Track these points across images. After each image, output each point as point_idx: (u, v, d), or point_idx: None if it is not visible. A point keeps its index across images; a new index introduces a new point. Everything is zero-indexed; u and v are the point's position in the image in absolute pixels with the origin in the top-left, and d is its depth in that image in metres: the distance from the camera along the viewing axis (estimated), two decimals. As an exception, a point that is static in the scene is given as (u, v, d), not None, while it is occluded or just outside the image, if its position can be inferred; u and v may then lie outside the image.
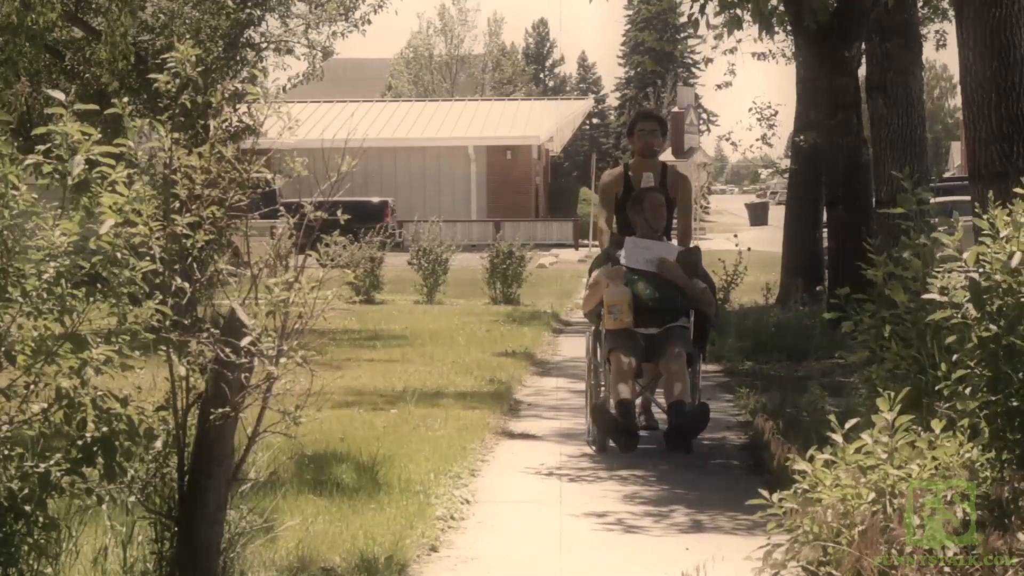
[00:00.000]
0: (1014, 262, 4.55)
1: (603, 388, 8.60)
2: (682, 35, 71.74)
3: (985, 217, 4.78)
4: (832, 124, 15.65)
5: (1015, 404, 4.57)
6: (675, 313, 8.63)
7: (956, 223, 5.67)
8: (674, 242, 9.23)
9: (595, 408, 8.25)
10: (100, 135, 4.32)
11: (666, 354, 8.36)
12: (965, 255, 4.76)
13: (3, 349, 4.15)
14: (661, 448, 8.20)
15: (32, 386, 4.23)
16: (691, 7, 15.45)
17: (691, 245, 9.21)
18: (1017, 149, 8.04)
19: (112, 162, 4.35)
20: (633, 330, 8.48)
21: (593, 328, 8.87)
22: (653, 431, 8.90)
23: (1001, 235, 4.69)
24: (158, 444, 4.49)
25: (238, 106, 10.57)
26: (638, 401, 8.70)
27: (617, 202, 9.16)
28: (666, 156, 50.11)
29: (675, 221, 9.41)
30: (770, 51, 23.08)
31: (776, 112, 20.15)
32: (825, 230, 17.22)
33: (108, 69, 15.32)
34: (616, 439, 8.04)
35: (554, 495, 6.95)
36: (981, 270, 4.65)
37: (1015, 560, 4.31)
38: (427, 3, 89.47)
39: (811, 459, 4.90)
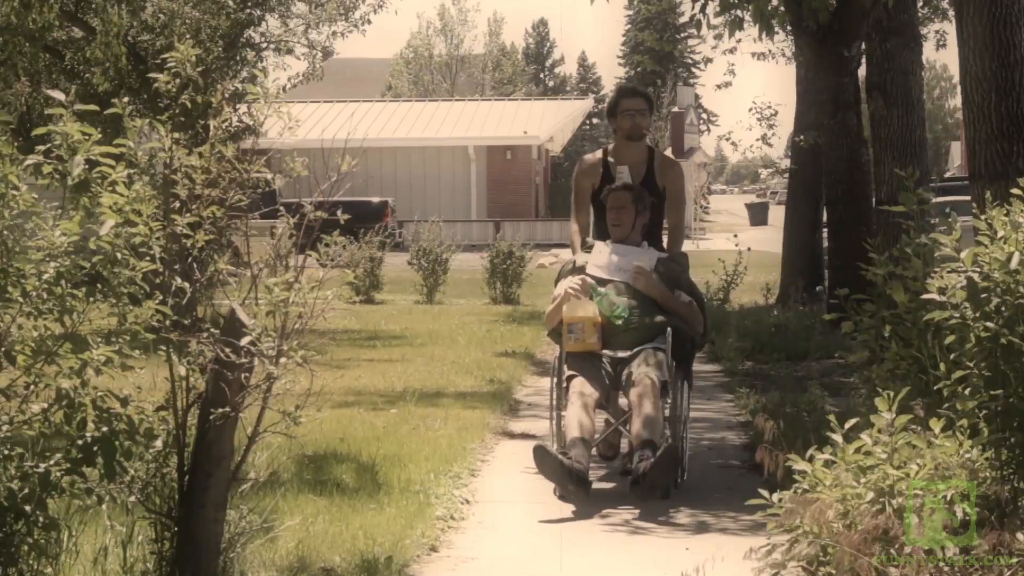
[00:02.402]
0: (1013, 263, 4.55)
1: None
2: (682, 35, 71.83)
3: (983, 217, 4.79)
4: (832, 124, 15.68)
5: (1014, 404, 4.58)
6: (649, 333, 7.19)
7: (955, 223, 5.68)
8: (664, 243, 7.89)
9: (536, 449, 6.65)
10: (100, 135, 4.32)
11: (635, 383, 6.94)
12: (963, 255, 4.76)
13: (3, 349, 4.15)
14: None
15: (32, 386, 4.23)
16: (692, 7, 15.47)
17: (681, 248, 7.87)
18: (1017, 149, 8.04)
19: (112, 162, 4.35)
20: (599, 353, 7.13)
21: (559, 350, 7.32)
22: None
23: (999, 235, 4.69)
24: (158, 444, 4.49)
25: (238, 106, 10.60)
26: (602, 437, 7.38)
27: (594, 195, 7.80)
28: (666, 156, 50.21)
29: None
30: (770, 51, 23.14)
31: (776, 112, 20.18)
32: (825, 230, 17.25)
33: (101, 70, 15.32)
34: (562, 486, 6.63)
35: (554, 495, 6.94)
36: (979, 270, 4.66)
37: (1015, 560, 4.31)
38: (427, 3, 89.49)
39: (811, 459, 4.90)
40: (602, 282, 7.28)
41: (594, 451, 7.25)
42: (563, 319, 7.13)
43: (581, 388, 6.92)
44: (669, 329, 7.19)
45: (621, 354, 7.14)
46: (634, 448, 6.73)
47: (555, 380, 7.24)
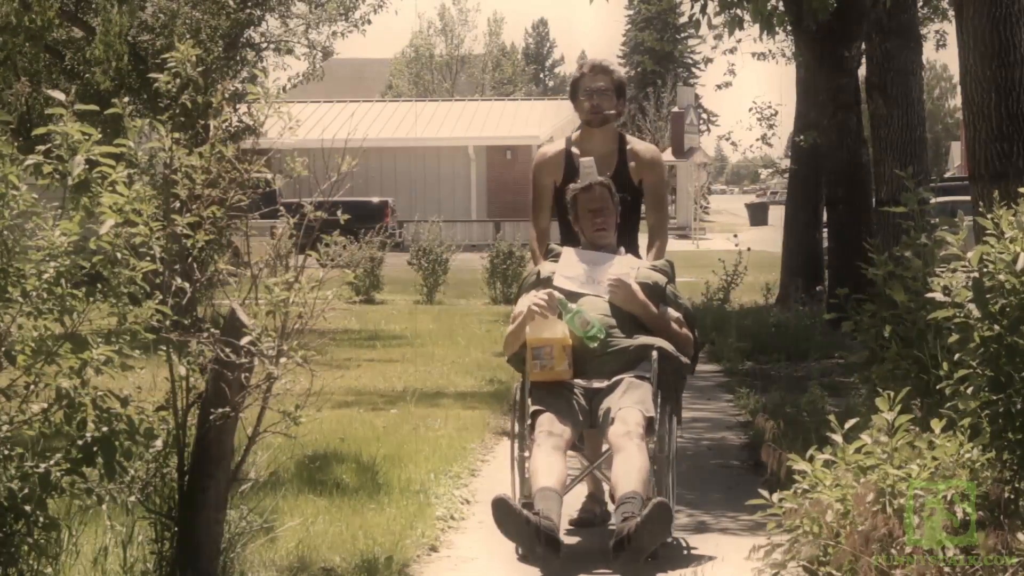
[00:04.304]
0: (1020, 264, 4.55)
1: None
2: (682, 35, 71.88)
3: (989, 217, 4.79)
4: (832, 124, 15.70)
5: (1017, 404, 4.57)
6: (631, 358, 5.92)
7: (961, 223, 5.69)
8: (643, 252, 6.55)
9: (497, 504, 5.35)
10: (100, 135, 4.32)
11: (615, 420, 5.67)
12: (969, 255, 4.76)
13: (3, 349, 4.15)
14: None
15: (32, 386, 4.23)
16: (692, 7, 15.48)
17: (664, 253, 6.51)
18: (1017, 149, 8.04)
19: (112, 162, 4.35)
20: (570, 383, 5.87)
21: (520, 380, 6.07)
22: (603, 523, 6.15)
23: (1006, 235, 4.69)
24: (158, 444, 4.49)
25: (238, 106, 10.61)
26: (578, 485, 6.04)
27: (556, 193, 6.52)
28: (666, 157, 50.41)
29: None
30: (770, 51, 23.11)
31: (776, 112, 20.17)
32: (825, 230, 17.26)
33: (102, 69, 15.33)
34: (527, 547, 5.35)
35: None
36: (985, 269, 4.65)
37: (1015, 560, 4.31)
38: (427, 3, 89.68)
39: (811, 459, 4.91)
40: (573, 296, 6.02)
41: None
42: (526, 342, 5.89)
43: (550, 427, 5.67)
44: (655, 353, 5.90)
45: (597, 384, 5.89)
46: (616, 502, 5.42)
47: (515, 416, 5.99)
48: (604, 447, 5.94)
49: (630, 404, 5.72)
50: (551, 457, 5.56)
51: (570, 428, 5.73)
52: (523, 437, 5.87)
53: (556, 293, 5.99)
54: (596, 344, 5.90)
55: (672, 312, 6.14)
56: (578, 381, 5.90)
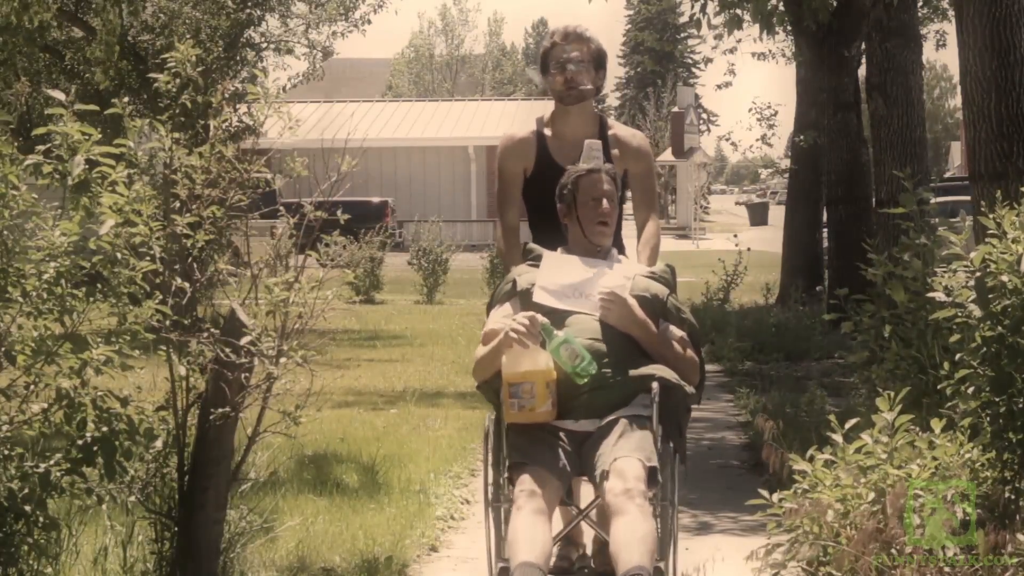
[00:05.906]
0: (1023, 265, 4.54)
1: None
2: (682, 35, 71.89)
3: (992, 217, 4.79)
4: (832, 124, 15.72)
5: (1018, 404, 4.57)
6: (627, 393, 4.69)
7: (964, 223, 5.69)
8: (632, 255, 5.30)
9: None
10: (100, 135, 4.32)
11: (610, 475, 4.47)
12: (972, 255, 4.76)
13: (3, 349, 4.15)
14: None
15: (32, 386, 4.23)
16: (692, 7, 15.50)
17: (657, 257, 5.32)
18: (1017, 149, 8.05)
19: (112, 162, 4.35)
20: (553, 426, 4.65)
21: (493, 414, 4.86)
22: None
23: (1009, 236, 4.68)
24: (158, 444, 4.49)
25: (238, 106, 10.61)
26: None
27: (527, 185, 5.46)
28: (666, 157, 50.41)
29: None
30: (770, 51, 23.15)
31: (776, 112, 20.18)
32: (825, 230, 17.27)
33: (102, 69, 15.34)
34: None
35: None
36: (987, 270, 4.65)
37: (1015, 560, 4.31)
38: (428, 3, 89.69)
39: (811, 459, 4.91)
40: (557, 316, 4.78)
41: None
42: (502, 377, 4.66)
43: (532, 486, 4.48)
44: (656, 385, 4.69)
45: (586, 425, 4.69)
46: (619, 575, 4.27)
47: (487, 463, 4.77)
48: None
49: (628, 453, 4.54)
50: (534, 524, 4.42)
51: (556, 483, 4.59)
52: (499, 485, 4.75)
53: (540, 317, 4.73)
54: (586, 379, 4.66)
55: (675, 331, 4.92)
56: (563, 423, 4.70)
